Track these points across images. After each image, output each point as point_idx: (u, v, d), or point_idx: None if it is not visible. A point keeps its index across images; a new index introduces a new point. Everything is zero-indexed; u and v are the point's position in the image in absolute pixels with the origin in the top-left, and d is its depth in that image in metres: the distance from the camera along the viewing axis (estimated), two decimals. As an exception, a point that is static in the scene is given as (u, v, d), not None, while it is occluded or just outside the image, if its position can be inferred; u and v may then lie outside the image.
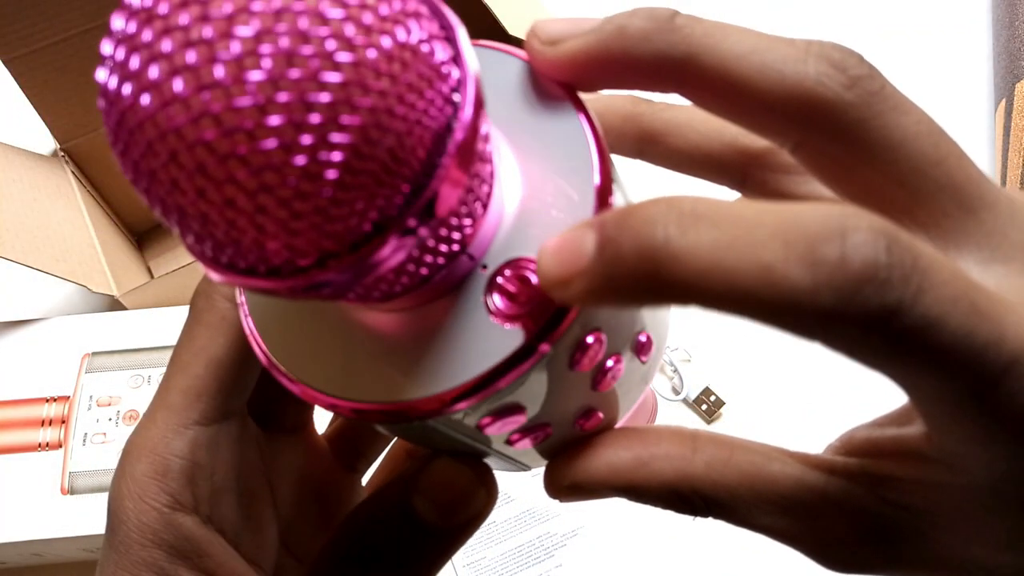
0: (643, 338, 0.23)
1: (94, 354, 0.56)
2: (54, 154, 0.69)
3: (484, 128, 0.18)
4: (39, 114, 0.66)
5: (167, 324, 0.57)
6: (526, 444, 0.22)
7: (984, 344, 0.15)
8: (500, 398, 0.20)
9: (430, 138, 0.16)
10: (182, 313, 0.57)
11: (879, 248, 0.15)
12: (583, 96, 0.21)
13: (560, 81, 0.21)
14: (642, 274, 0.16)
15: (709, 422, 0.62)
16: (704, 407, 0.62)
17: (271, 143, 0.14)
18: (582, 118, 0.20)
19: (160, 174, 0.15)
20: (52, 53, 0.62)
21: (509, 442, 0.22)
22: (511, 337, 0.19)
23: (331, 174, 0.14)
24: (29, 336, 0.57)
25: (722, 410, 0.61)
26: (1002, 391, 0.16)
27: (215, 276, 0.17)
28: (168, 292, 0.61)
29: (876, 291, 0.15)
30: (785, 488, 0.21)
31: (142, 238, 0.76)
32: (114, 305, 0.62)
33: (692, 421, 0.62)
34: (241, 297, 0.22)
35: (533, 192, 0.20)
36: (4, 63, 0.62)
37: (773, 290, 0.15)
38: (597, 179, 0.19)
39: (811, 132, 0.19)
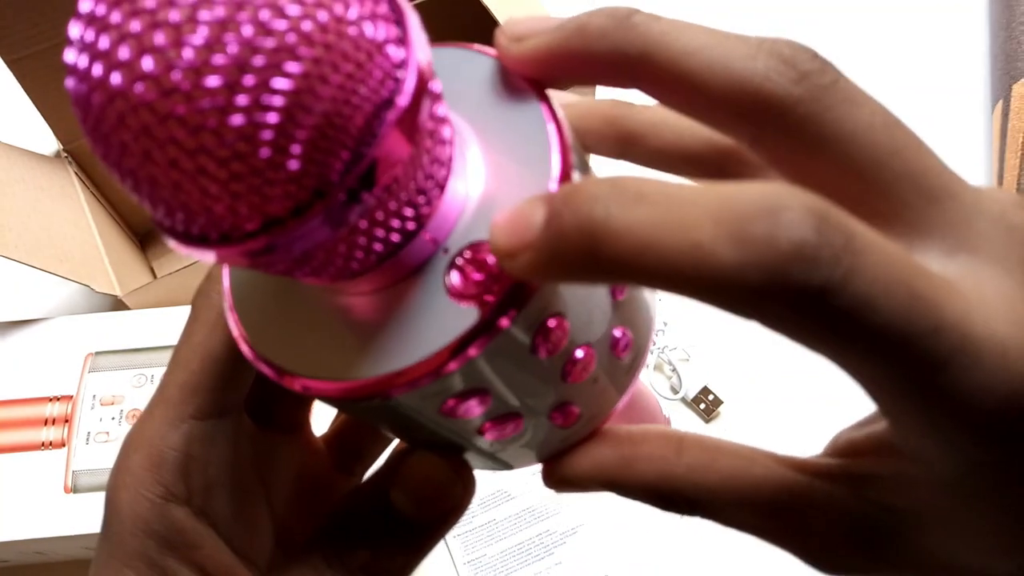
0: (618, 333, 0.23)
1: (97, 353, 0.56)
2: (57, 155, 0.70)
3: (436, 108, 0.18)
4: (42, 115, 0.66)
5: (170, 324, 0.57)
6: (496, 435, 0.23)
7: (921, 331, 0.16)
8: (458, 379, 0.20)
9: (370, 108, 0.17)
10: (185, 313, 0.56)
11: (807, 227, 0.15)
12: (553, 92, 0.21)
13: (526, 77, 0.21)
14: (583, 250, 0.16)
15: (707, 421, 0.62)
16: (702, 406, 0.62)
17: (207, 103, 0.15)
18: (544, 109, 0.21)
19: (112, 138, 0.16)
20: (55, 54, 0.62)
21: (481, 432, 0.23)
22: (467, 316, 0.19)
23: (266, 135, 0.15)
24: (33, 336, 0.57)
25: (720, 409, 0.62)
26: (945, 381, 0.16)
27: (173, 245, 0.18)
28: (171, 292, 0.61)
29: (803, 270, 0.15)
30: (768, 491, 0.21)
31: (145, 238, 0.76)
32: (117, 305, 0.62)
33: (690, 420, 0.62)
34: (226, 284, 0.23)
35: (497, 180, 0.21)
36: (7, 64, 0.62)
37: (702, 268, 0.15)
38: (556, 166, 0.20)
39: (763, 128, 0.19)
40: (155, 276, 0.71)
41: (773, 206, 0.15)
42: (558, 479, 0.24)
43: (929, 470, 0.19)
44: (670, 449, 0.22)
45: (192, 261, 0.61)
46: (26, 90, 0.64)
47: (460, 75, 0.22)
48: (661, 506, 0.22)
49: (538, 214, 0.17)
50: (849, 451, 0.21)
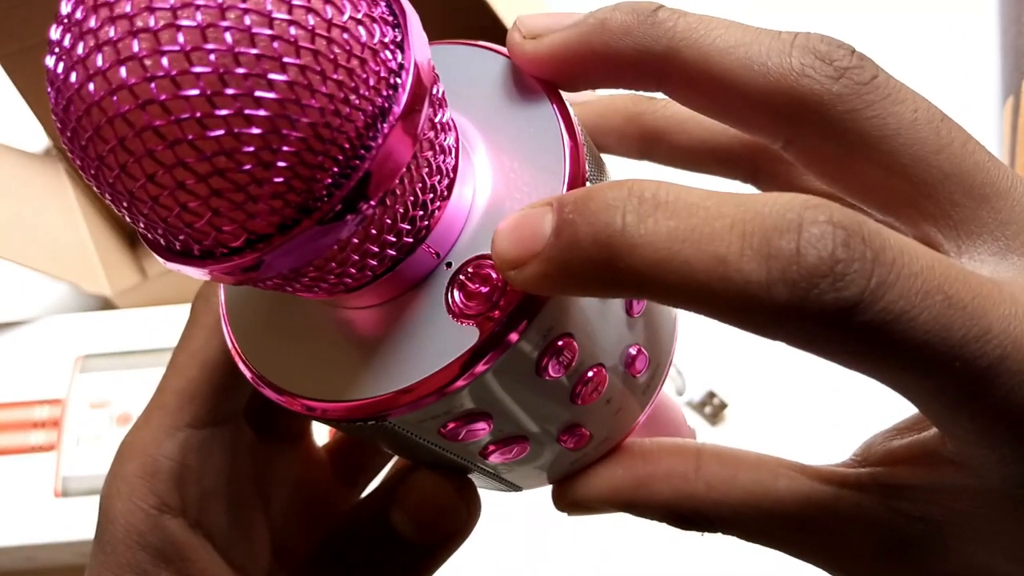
0: (633, 351, 0.22)
1: (87, 356, 0.55)
2: (47, 152, 0.69)
3: (438, 115, 0.18)
4: (32, 111, 0.65)
5: (161, 324, 0.56)
6: (501, 458, 0.22)
7: (962, 339, 0.15)
8: (461, 400, 0.19)
9: (362, 119, 0.16)
10: (176, 313, 0.57)
11: (836, 241, 0.14)
12: (569, 95, 0.21)
13: (541, 78, 0.20)
14: (597, 262, 0.15)
15: (713, 425, 0.61)
16: (708, 409, 0.61)
17: (185, 114, 0.14)
18: (556, 112, 0.20)
19: (89, 150, 0.15)
20: (45, 50, 0.61)
21: (485, 455, 0.22)
22: (470, 334, 0.18)
23: (249, 149, 0.14)
24: (21, 337, 0.56)
25: (725, 412, 0.61)
26: (996, 388, 0.15)
27: (159, 260, 0.17)
28: (162, 292, 0.61)
29: (832, 285, 0.14)
30: (792, 506, 0.20)
31: (136, 236, 0.75)
32: (106, 305, 0.61)
33: (695, 424, 0.61)
34: (223, 294, 0.22)
35: (505, 189, 0.20)
36: (-3, 59, 0.61)
37: (726, 284, 0.14)
38: (568, 173, 0.19)
39: (800, 128, 0.19)
40: (146, 275, 0.70)
41: (799, 219, 0.15)
42: (569, 502, 0.23)
43: (973, 478, 0.18)
44: (688, 465, 0.21)
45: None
46: (16, 86, 0.63)
47: (468, 76, 0.21)
48: (680, 526, 0.22)
49: (546, 222, 0.16)
50: (884, 459, 0.20)
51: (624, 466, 0.22)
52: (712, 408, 0.61)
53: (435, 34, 0.22)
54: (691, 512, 0.21)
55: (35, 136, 0.69)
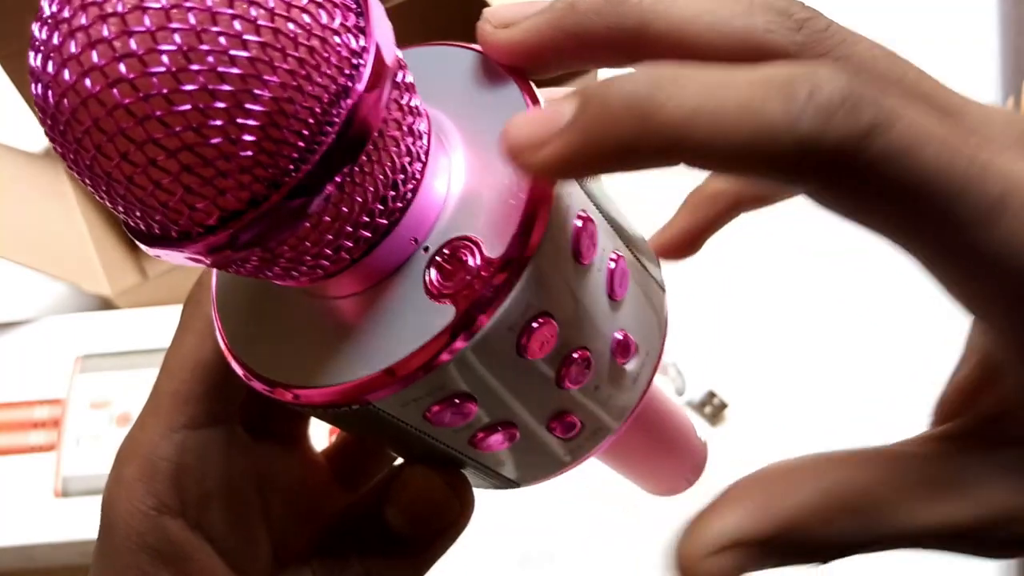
0: (619, 336, 0.22)
1: (87, 356, 0.56)
2: (47, 152, 0.69)
3: (405, 99, 0.18)
4: (33, 111, 0.65)
5: (161, 324, 0.56)
6: (492, 446, 0.22)
7: (966, 174, 0.16)
8: (439, 381, 0.19)
9: (326, 96, 0.16)
10: (176, 313, 0.57)
11: (849, 73, 0.16)
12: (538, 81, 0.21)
13: (513, 66, 0.21)
14: (628, 125, 0.16)
15: (713, 424, 0.61)
16: (708, 409, 0.61)
17: (153, 91, 0.15)
18: (527, 100, 0.20)
19: (68, 135, 0.16)
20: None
21: (473, 443, 0.22)
22: (445, 315, 0.19)
23: (215, 123, 0.15)
24: (21, 337, 0.57)
25: (725, 412, 0.61)
26: (1005, 226, 0.16)
27: (138, 244, 0.18)
28: (162, 292, 0.61)
29: (849, 112, 0.15)
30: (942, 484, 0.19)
31: (137, 237, 0.75)
32: (106, 305, 0.61)
33: (696, 425, 0.61)
34: (213, 294, 0.23)
35: (479, 176, 0.20)
36: (-3, 59, 0.61)
37: (753, 124, 0.15)
38: None
39: None
40: (146, 275, 0.71)
41: (814, 66, 0.16)
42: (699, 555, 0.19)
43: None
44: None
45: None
46: (16, 86, 0.63)
47: (441, 73, 0.22)
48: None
49: (567, 106, 0.17)
50: (967, 402, 0.20)
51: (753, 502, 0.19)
52: (712, 408, 0.61)
53: (435, 32, 0.22)
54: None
55: (35, 136, 0.69)
